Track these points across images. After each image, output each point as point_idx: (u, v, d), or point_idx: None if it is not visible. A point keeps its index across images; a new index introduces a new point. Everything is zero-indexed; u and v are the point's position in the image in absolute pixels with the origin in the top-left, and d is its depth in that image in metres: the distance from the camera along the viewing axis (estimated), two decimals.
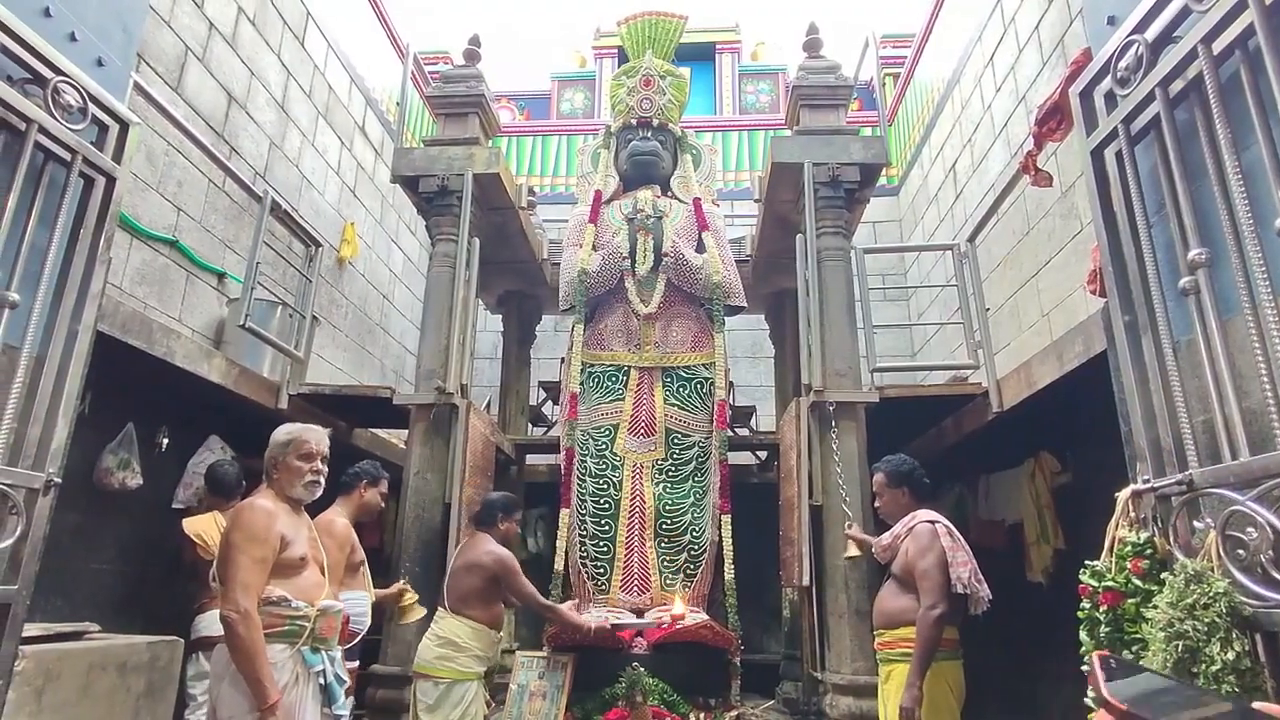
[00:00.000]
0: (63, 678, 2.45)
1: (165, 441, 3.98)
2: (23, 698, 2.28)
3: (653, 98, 5.76)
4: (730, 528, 4.70)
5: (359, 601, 3.06)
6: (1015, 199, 5.24)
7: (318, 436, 2.48)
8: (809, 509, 4.00)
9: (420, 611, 3.42)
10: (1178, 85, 2.01)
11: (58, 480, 2.18)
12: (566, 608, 3.39)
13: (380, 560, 5.65)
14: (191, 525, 3.56)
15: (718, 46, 9.81)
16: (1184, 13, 1.96)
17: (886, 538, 3.16)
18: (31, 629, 2.46)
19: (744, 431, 6.18)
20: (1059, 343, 3.46)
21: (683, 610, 4.01)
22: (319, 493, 2.53)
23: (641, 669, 3.90)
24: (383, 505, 3.47)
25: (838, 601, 3.86)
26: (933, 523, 2.98)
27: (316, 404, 4.74)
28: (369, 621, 3.20)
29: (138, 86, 3.29)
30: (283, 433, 2.47)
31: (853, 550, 3.54)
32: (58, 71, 2.24)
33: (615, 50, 9.33)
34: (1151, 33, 2.06)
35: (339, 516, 3.14)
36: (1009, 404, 3.98)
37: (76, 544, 3.56)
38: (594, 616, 4.25)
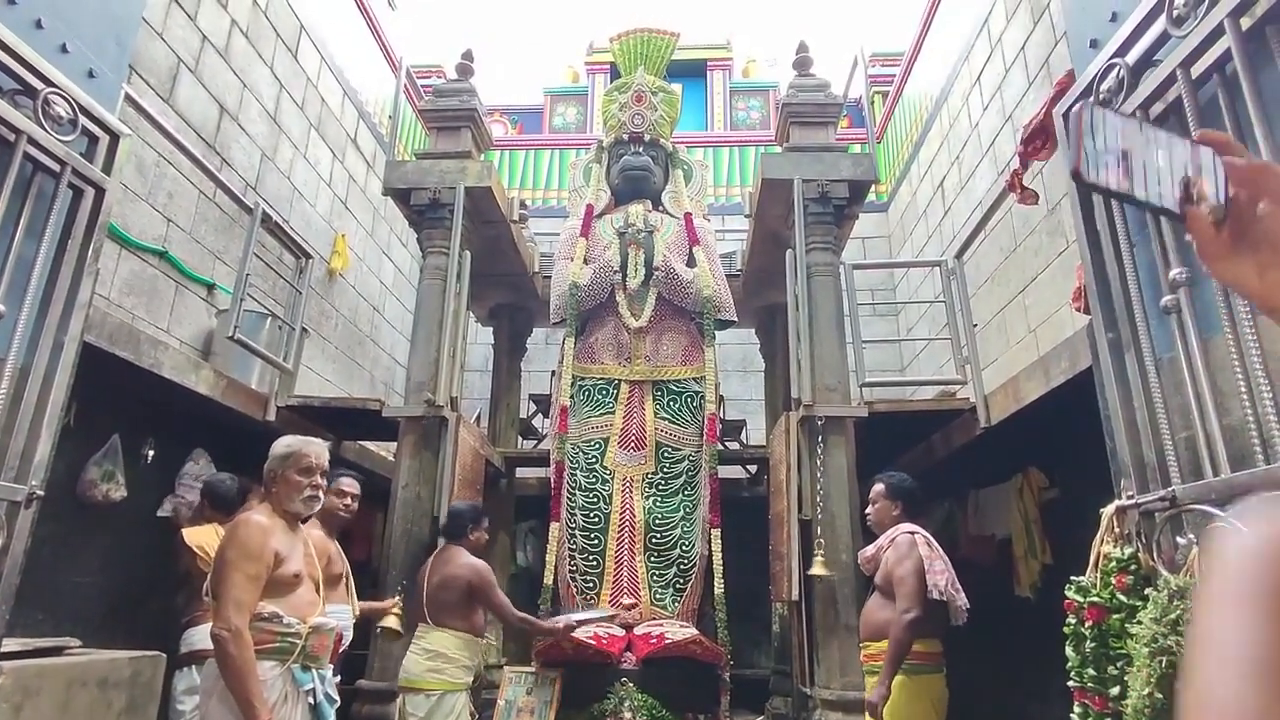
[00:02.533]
0: (42, 694, 2.41)
1: (151, 453, 3.94)
2: (1, 715, 2.24)
3: (644, 113, 5.81)
4: (720, 541, 4.70)
5: (341, 615, 3.03)
6: (1002, 216, 5.29)
7: (318, 450, 2.45)
8: (798, 523, 4.00)
9: (397, 631, 3.40)
10: (1158, 108, 2.05)
11: (40, 493, 2.16)
12: (536, 618, 3.46)
13: (368, 573, 5.61)
14: (193, 536, 3.52)
15: (709, 63, 9.90)
16: (1164, 37, 2.01)
17: (870, 549, 3.24)
18: (11, 644, 2.43)
19: (734, 445, 6.19)
20: (1045, 359, 3.49)
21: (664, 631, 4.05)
22: (318, 507, 2.50)
23: (630, 684, 3.89)
24: (344, 504, 3.36)
25: (827, 616, 3.85)
26: (912, 533, 3.09)
27: (305, 416, 4.71)
28: (351, 635, 3.17)
29: (129, 98, 3.29)
30: (282, 445, 2.43)
31: (818, 569, 3.60)
32: (48, 83, 2.24)
33: (607, 66, 9.41)
34: (1132, 56, 2.10)
35: (314, 528, 3.11)
36: (996, 419, 4.01)
37: (59, 557, 3.52)
38: (582, 630, 4.23)
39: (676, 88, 6.26)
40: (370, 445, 5.81)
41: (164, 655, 3.01)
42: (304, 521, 2.55)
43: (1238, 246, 0.61)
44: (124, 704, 2.71)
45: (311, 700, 2.41)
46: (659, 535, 4.71)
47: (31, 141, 2.16)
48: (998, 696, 4.58)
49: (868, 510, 3.40)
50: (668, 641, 4.07)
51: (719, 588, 4.59)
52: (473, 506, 3.69)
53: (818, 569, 3.71)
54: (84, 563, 3.69)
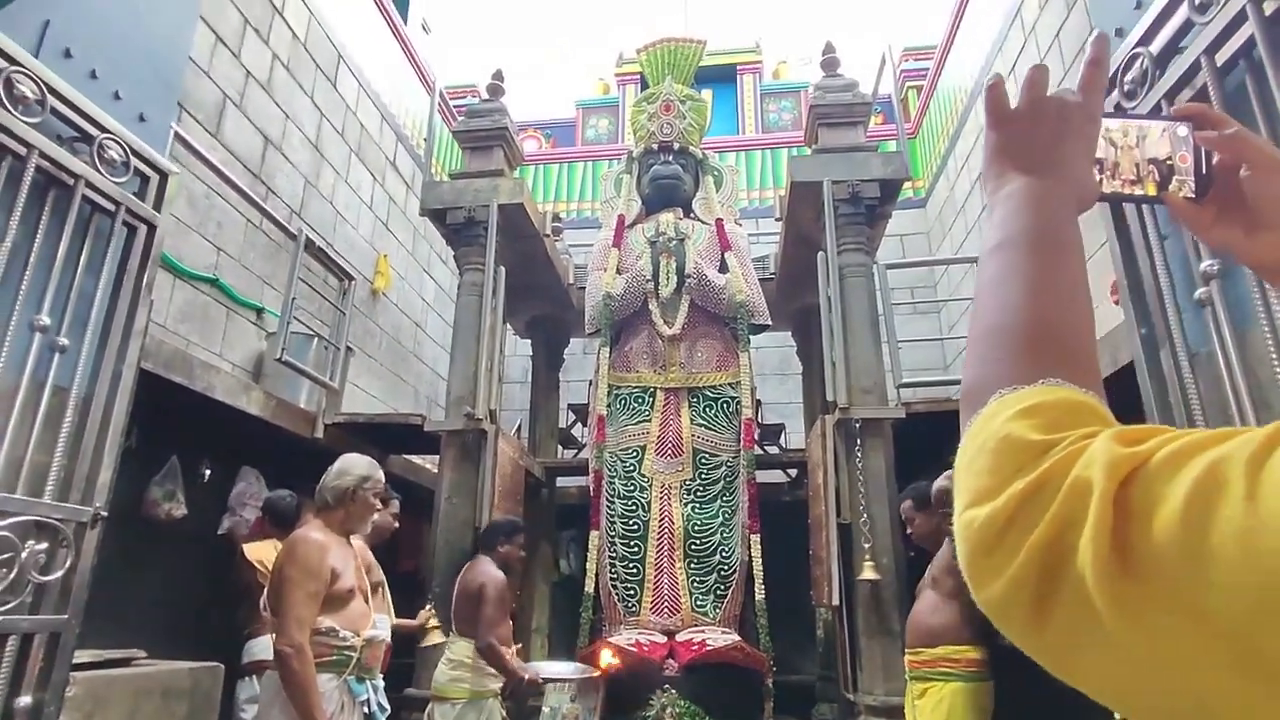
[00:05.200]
0: (111, 703, 2.56)
1: (208, 473, 4.13)
2: None
3: (673, 122, 5.85)
4: (760, 547, 4.69)
5: (379, 624, 3.12)
6: None
7: (382, 475, 2.58)
8: (837, 527, 3.97)
9: (439, 637, 3.49)
10: (1186, 95, 2.00)
11: (104, 513, 2.29)
12: (510, 655, 3.36)
13: (415, 584, 5.75)
14: (253, 552, 3.69)
15: (739, 68, 9.91)
16: (1188, 24, 1.96)
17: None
18: (83, 655, 2.58)
19: (773, 449, 6.16)
20: None
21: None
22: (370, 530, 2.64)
23: (673, 691, 3.91)
24: (395, 525, 3.54)
25: (869, 621, 3.81)
26: None
27: (351, 433, 4.86)
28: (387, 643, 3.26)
29: (178, 136, 3.48)
30: (362, 465, 2.52)
31: (869, 573, 3.55)
32: (102, 129, 2.39)
33: (638, 76, 9.47)
34: (1156, 45, 2.05)
35: (356, 538, 3.22)
36: None
37: (126, 573, 3.71)
38: (624, 637, 4.27)
39: (706, 94, 6.29)
40: (415, 459, 5.97)
41: (222, 666, 3.15)
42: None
43: (1225, 213, 0.62)
44: (185, 712, 2.85)
45: (366, 710, 2.51)
46: (698, 542, 4.72)
47: (89, 185, 2.31)
48: (1038, 701, 4.45)
49: (916, 520, 3.27)
50: (709, 648, 4.08)
51: (760, 593, 4.58)
52: (508, 521, 3.73)
53: (868, 573, 3.68)
54: (149, 578, 3.89)
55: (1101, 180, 0.65)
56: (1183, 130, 0.66)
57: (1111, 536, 0.33)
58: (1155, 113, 1.93)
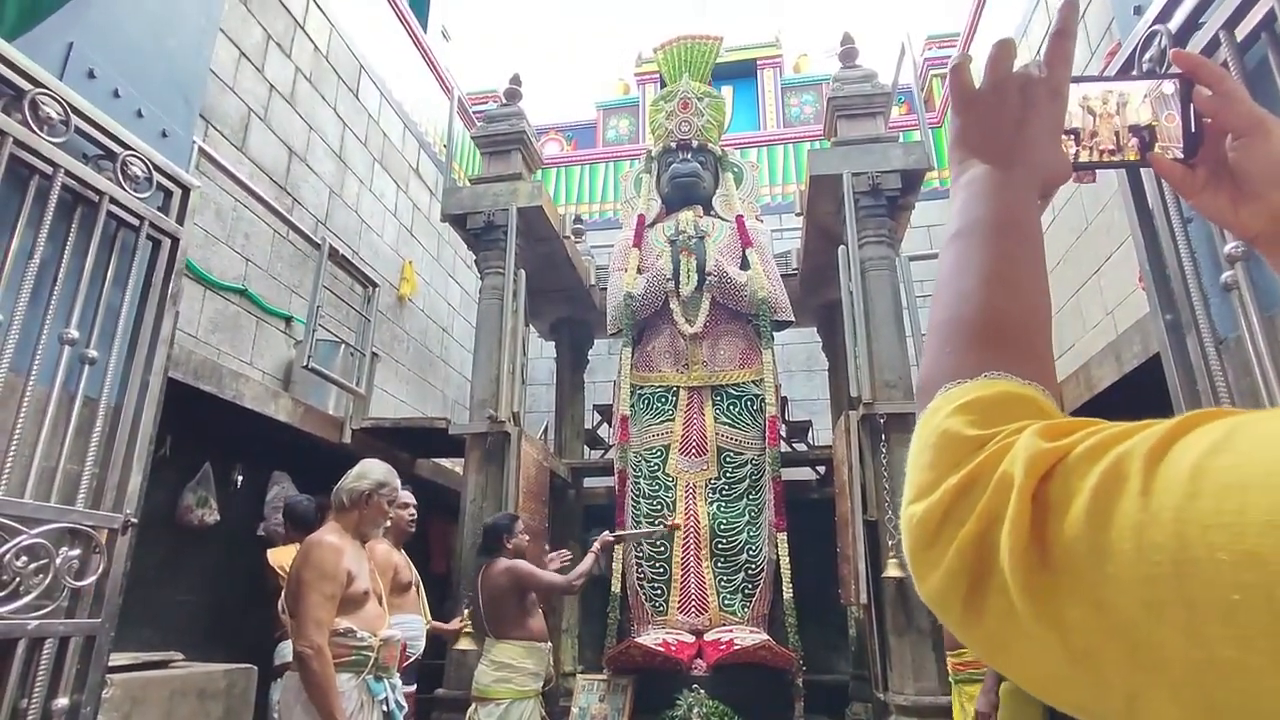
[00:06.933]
0: (148, 703, 2.63)
1: (240, 479, 4.23)
2: None
3: (691, 120, 5.83)
4: (787, 545, 4.65)
5: (410, 624, 3.16)
6: (1071, 194, 5.05)
7: (398, 482, 2.63)
8: (863, 525, 3.92)
9: (469, 643, 3.54)
10: None
11: (134, 520, 2.36)
12: (569, 574, 3.61)
13: (448, 586, 5.82)
14: (275, 556, 3.77)
15: (759, 62, 9.84)
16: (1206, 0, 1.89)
17: None
18: (121, 658, 2.66)
19: (801, 446, 6.10)
20: (1117, 343, 3.31)
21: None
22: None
23: (701, 691, 3.90)
24: (413, 516, 3.58)
25: (897, 619, 3.76)
26: None
27: (378, 437, 4.94)
28: (422, 644, 3.30)
29: (203, 151, 3.56)
30: (379, 471, 2.57)
31: (893, 571, 3.51)
32: (126, 146, 2.46)
33: (657, 75, 9.46)
34: (1175, 21, 1.99)
35: (379, 542, 3.26)
36: (1069, 409, 3.82)
37: (163, 578, 3.82)
38: (651, 637, 4.27)
39: (725, 91, 6.26)
40: (444, 462, 6.04)
41: (255, 668, 3.22)
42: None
43: (1216, 177, 0.59)
44: (220, 713, 2.92)
45: (385, 708, 2.55)
46: (725, 541, 4.70)
47: (113, 201, 2.38)
48: None
49: None
50: (737, 647, 4.06)
51: (788, 592, 4.55)
52: (502, 516, 3.76)
53: (893, 570, 3.65)
54: (186, 582, 3.99)
55: (1077, 151, 0.63)
56: (1169, 88, 0.62)
57: (1030, 531, 0.34)
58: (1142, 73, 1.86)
